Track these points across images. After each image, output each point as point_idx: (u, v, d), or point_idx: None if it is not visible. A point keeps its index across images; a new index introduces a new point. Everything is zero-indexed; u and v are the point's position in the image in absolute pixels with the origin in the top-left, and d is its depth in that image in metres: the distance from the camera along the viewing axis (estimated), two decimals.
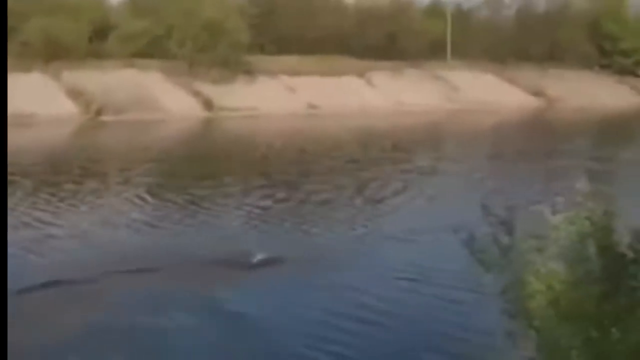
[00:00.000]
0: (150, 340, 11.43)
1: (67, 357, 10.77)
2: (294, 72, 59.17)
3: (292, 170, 30.49)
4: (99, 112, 49.22)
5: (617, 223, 5.98)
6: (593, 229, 5.88)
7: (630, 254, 5.80)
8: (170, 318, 12.21)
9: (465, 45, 72.40)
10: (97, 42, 57.43)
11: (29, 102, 45.38)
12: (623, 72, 77.66)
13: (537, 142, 42.47)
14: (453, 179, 28.28)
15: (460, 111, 60.31)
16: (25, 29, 52.68)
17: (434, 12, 78.24)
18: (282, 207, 22.25)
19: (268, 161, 33.43)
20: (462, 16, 78.48)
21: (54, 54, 52.63)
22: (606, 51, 78.56)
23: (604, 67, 78.19)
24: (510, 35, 76.86)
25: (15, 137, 33.00)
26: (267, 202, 22.59)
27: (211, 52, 56.61)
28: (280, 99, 56.40)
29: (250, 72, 57.87)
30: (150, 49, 56.91)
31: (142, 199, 22.80)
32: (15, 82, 43.46)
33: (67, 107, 49.05)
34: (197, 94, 54.45)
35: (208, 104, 53.68)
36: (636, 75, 78.22)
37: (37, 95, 47.42)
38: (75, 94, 50.36)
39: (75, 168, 29.81)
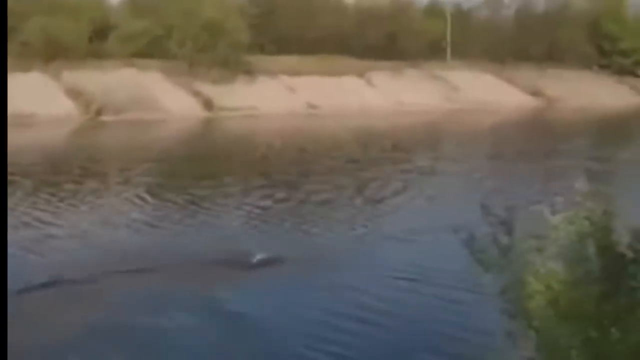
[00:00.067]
0: (149, 340, 11.44)
1: (67, 357, 10.78)
2: (294, 72, 59.19)
3: (292, 170, 30.50)
4: (98, 112, 49.23)
5: (617, 223, 5.99)
6: (592, 228, 5.89)
7: (630, 254, 5.81)
8: (170, 318, 12.22)
9: (465, 45, 72.41)
10: (97, 42, 57.44)
11: (28, 102, 45.38)
12: (622, 72, 77.67)
13: (537, 142, 42.48)
14: (453, 179, 28.28)
15: (460, 111, 60.32)
16: (25, 28, 52.69)
17: (434, 12, 78.25)
18: (282, 207, 22.25)
19: (268, 161, 33.45)
20: (461, 16, 78.49)
21: (53, 53, 52.63)
22: (605, 51, 78.57)
23: (603, 67, 78.21)
24: (509, 35, 76.87)
25: (15, 137, 32.98)
26: (267, 202, 22.59)
27: (211, 52, 56.63)
28: (280, 98, 56.41)
29: (250, 72, 57.89)
30: (150, 49, 56.92)
31: (142, 198, 22.82)
32: (15, 82, 43.47)
33: (67, 107, 49.06)
34: (197, 93, 54.46)
35: (208, 104, 53.69)
36: (635, 75, 78.23)
37: (37, 95, 47.43)
38: (75, 93, 50.36)
39: (75, 168, 29.82)
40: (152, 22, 58.74)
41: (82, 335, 11.56)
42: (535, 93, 68.51)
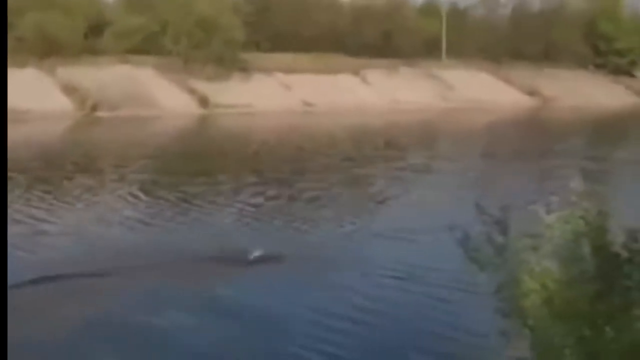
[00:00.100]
0: (142, 337, 11.41)
1: (58, 354, 10.75)
2: (289, 70, 59.15)
3: (286, 167, 30.48)
4: (93, 108, 49.15)
5: (612, 222, 5.97)
6: (587, 228, 5.88)
7: (625, 254, 5.80)
8: (163, 316, 12.18)
9: (461, 43, 72.44)
10: (93, 38, 57.33)
11: (24, 97, 45.23)
12: (617, 71, 77.82)
13: (532, 141, 42.53)
14: (447, 178, 28.27)
15: (455, 110, 60.34)
16: (20, 24, 52.57)
17: (429, 10, 78.27)
18: (275, 204, 22.22)
19: (262, 158, 33.41)
20: (457, 15, 78.52)
21: (49, 49, 52.53)
22: (601, 51, 78.72)
23: (598, 66, 78.35)
24: (505, 34, 76.93)
25: (10, 133, 32.87)
26: (260, 200, 22.56)
27: (206, 49, 56.57)
28: (275, 96, 56.38)
29: (245, 70, 57.84)
30: (145, 46, 56.84)
31: (136, 196, 22.75)
32: (10, 77, 43.31)
33: (62, 103, 48.97)
34: (192, 90, 54.40)
35: (203, 101, 53.63)
36: (631, 75, 78.38)
37: (32, 91, 47.30)
38: (70, 90, 50.27)
39: (70, 164, 29.77)
40: (147, 19, 58.65)
41: (75, 333, 11.53)
42: (531, 92, 68.58)
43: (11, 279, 12.89)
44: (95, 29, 57.95)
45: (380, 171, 29.14)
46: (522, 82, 69.12)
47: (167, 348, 11.07)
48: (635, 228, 5.87)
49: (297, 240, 17.17)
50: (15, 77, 46.22)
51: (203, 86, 54.59)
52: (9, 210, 19.33)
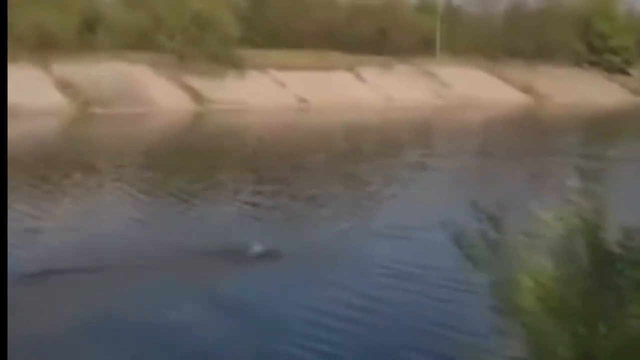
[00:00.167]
0: (140, 335, 11.41)
1: (56, 350, 10.76)
2: (284, 67, 59.10)
3: (281, 165, 30.43)
4: (87, 105, 49.05)
5: (606, 220, 5.99)
6: (582, 225, 5.89)
7: (618, 251, 5.82)
8: (161, 313, 12.18)
9: (456, 41, 72.49)
10: (87, 34, 57.20)
11: (18, 93, 45.13)
12: (612, 69, 77.94)
13: (527, 139, 42.57)
14: (442, 175, 28.32)
15: (450, 107, 60.37)
16: (15, 20, 52.41)
17: (425, 7, 78.31)
18: (270, 202, 22.19)
19: (257, 156, 33.38)
20: (452, 12, 78.58)
21: (43, 45, 52.39)
22: (596, 49, 78.81)
23: (593, 64, 78.44)
24: (500, 32, 76.99)
25: None
26: (255, 197, 22.57)
27: (201, 46, 56.49)
28: (270, 93, 56.35)
29: (240, 66, 57.75)
30: (140, 42, 56.71)
31: (131, 193, 22.71)
32: None
33: (57, 100, 48.87)
34: (186, 87, 54.33)
35: (197, 98, 53.57)
36: (625, 73, 78.51)
37: (26, 87, 47.17)
38: (64, 86, 50.18)
39: (64, 161, 29.69)
40: (142, 15, 58.56)
41: (72, 330, 11.52)
42: (526, 90, 68.62)
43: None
44: (90, 25, 57.82)
45: (376, 168, 29.14)
46: (517, 80, 69.18)
47: (166, 346, 11.06)
48: (628, 226, 5.89)
49: (294, 238, 17.11)
50: (10, 72, 46.13)
51: (197, 83, 54.51)
52: None
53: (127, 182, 24.43)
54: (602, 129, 52.02)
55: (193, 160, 31.39)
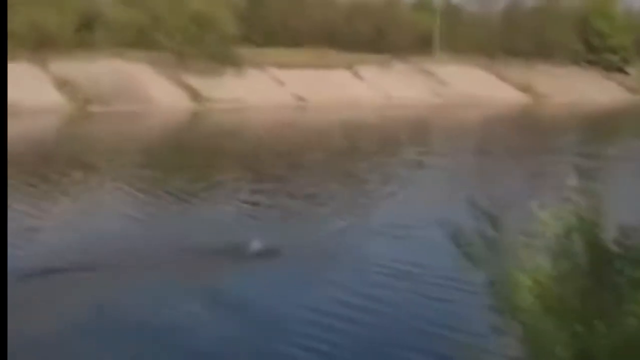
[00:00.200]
0: (139, 332, 11.40)
1: (57, 348, 10.75)
2: (283, 65, 59.08)
3: (279, 163, 30.42)
4: (86, 103, 49.01)
5: (604, 219, 5.98)
6: (580, 224, 5.88)
7: (616, 249, 5.81)
8: (160, 310, 12.17)
9: (454, 39, 72.48)
10: (85, 32, 57.16)
11: (16, 92, 45.10)
12: (610, 68, 77.99)
13: (525, 137, 42.58)
14: (440, 174, 28.33)
15: (448, 106, 60.37)
16: (12, 19, 52.35)
17: (423, 5, 78.30)
18: (269, 200, 22.18)
19: (255, 154, 33.34)
20: (451, 10, 78.57)
21: (41, 44, 52.36)
22: (594, 47, 78.84)
23: (591, 63, 78.47)
24: (499, 31, 77.00)
25: None
26: (253, 196, 22.53)
27: (199, 44, 56.46)
28: (268, 91, 56.34)
29: (238, 65, 57.72)
30: (138, 40, 56.67)
31: (129, 191, 22.69)
32: None
33: (55, 98, 48.82)
34: (185, 85, 54.30)
35: (196, 96, 53.55)
36: (623, 72, 78.57)
37: (24, 85, 47.14)
38: (62, 84, 50.13)
39: (62, 160, 29.66)
40: (140, 13, 58.52)
41: (71, 328, 11.51)
42: (524, 89, 68.64)
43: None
44: (88, 23, 57.79)
45: (374, 166, 29.13)
46: (516, 79, 69.20)
47: (164, 343, 11.05)
48: (626, 224, 5.88)
49: (291, 236, 17.02)
50: (8, 71, 46.10)
51: (196, 81, 54.49)
52: None
53: (126, 180, 24.38)
54: (600, 127, 52.05)
55: (191, 158, 31.38)
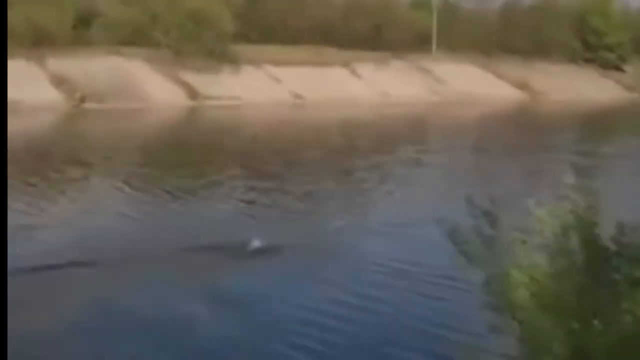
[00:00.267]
0: (137, 329, 11.40)
1: (56, 345, 10.74)
2: (279, 62, 59.04)
3: (275, 161, 30.39)
4: (83, 100, 48.97)
5: (601, 217, 5.99)
6: (577, 222, 5.89)
7: (613, 247, 5.82)
8: (159, 308, 12.18)
9: (451, 37, 72.48)
10: (82, 29, 57.10)
11: (13, 89, 45.03)
12: (607, 66, 78.02)
13: (522, 135, 42.58)
14: (437, 171, 28.33)
15: (445, 103, 60.37)
16: (10, 16, 52.25)
17: (420, 3, 78.23)
18: (265, 198, 22.16)
19: (252, 151, 33.33)
20: (448, 8, 78.55)
21: (38, 41, 52.31)
22: (591, 45, 78.87)
23: (588, 61, 78.49)
24: (496, 28, 77.03)
25: None
26: (250, 195, 22.52)
27: (196, 41, 56.42)
28: (265, 88, 56.30)
29: (235, 62, 57.68)
30: (135, 37, 56.65)
31: (126, 189, 22.66)
32: None
33: (52, 95, 48.77)
34: (181, 82, 54.26)
35: (193, 93, 53.51)
36: (620, 70, 78.61)
37: (21, 82, 47.07)
38: (59, 81, 50.07)
39: (59, 157, 29.61)
40: (137, 10, 58.48)
41: (70, 323, 11.51)
42: (521, 86, 68.65)
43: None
44: (85, 21, 57.73)
45: (371, 164, 29.11)
46: (513, 76, 69.20)
47: (163, 342, 11.06)
48: (623, 222, 5.89)
49: (287, 235, 16.95)
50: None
51: (192, 78, 54.46)
52: None
53: (123, 178, 24.35)
54: (597, 125, 52.07)
55: (188, 156, 31.35)
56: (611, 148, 36.23)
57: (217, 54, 56.73)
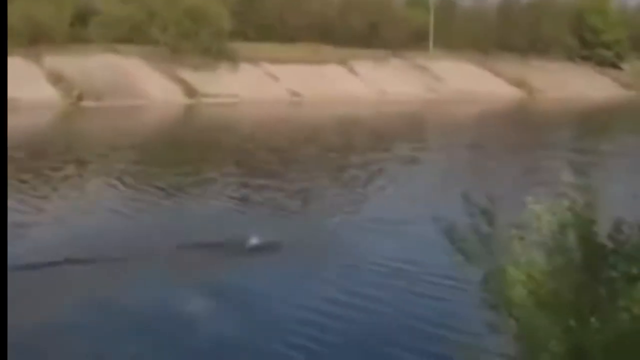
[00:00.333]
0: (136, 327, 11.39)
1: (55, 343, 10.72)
2: (277, 60, 59.01)
3: (272, 159, 30.37)
4: (80, 98, 48.91)
5: (598, 214, 5.98)
6: (574, 219, 5.88)
7: (610, 245, 5.81)
8: (157, 306, 12.17)
9: (449, 35, 72.49)
10: (79, 27, 57.04)
11: (10, 87, 44.94)
12: (604, 64, 78.05)
13: (520, 133, 42.61)
14: (434, 169, 28.34)
15: (443, 101, 60.36)
16: (9, 13, 52.20)
17: (417, 1, 78.23)
18: (262, 195, 22.14)
19: (248, 149, 33.29)
20: (445, 6, 78.56)
21: (35, 38, 52.25)
22: (588, 43, 78.90)
23: (585, 58, 78.52)
24: (493, 26, 77.06)
25: None
26: (246, 192, 22.51)
27: (193, 39, 56.39)
28: (262, 86, 56.27)
29: (232, 59, 57.65)
30: (132, 35, 56.61)
31: (123, 188, 22.64)
32: None
33: (49, 92, 48.70)
34: (179, 80, 54.21)
35: (190, 91, 53.47)
36: (617, 67, 78.65)
37: (18, 80, 46.99)
38: (56, 79, 50.01)
39: (56, 156, 29.54)
40: (135, 8, 58.43)
41: (68, 323, 11.51)
42: (519, 84, 68.66)
43: None
44: (82, 18, 57.67)
45: (368, 162, 29.10)
46: (510, 74, 69.21)
47: (160, 340, 11.05)
48: (620, 219, 5.88)
49: (283, 233, 16.91)
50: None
51: (190, 76, 54.42)
52: None
53: (119, 176, 24.32)
54: (594, 123, 52.08)
55: (185, 153, 31.33)
56: (608, 146, 36.25)
57: (215, 52, 56.70)
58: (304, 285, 13.53)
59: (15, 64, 48.86)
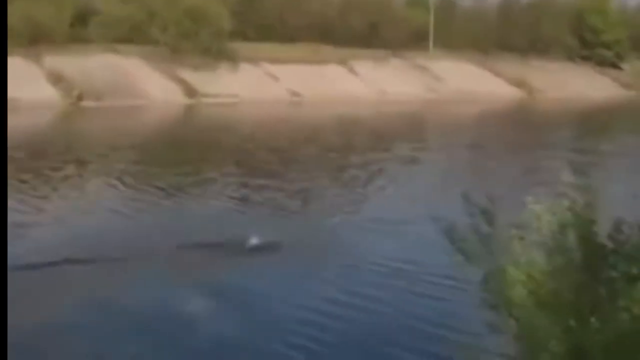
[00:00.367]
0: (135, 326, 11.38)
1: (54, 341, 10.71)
2: (277, 60, 58.99)
3: (272, 159, 30.36)
4: (80, 98, 48.89)
5: (598, 214, 5.97)
6: (574, 219, 5.88)
7: (610, 245, 5.81)
8: (158, 305, 12.16)
9: (449, 35, 72.47)
10: (79, 27, 57.02)
11: (10, 87, 44.92)
12: (604, 63, 78.03)
13: (520, 133, 42.59)
14: (434, 169, 28.32)
15: (443, 101, 60.34)
16: (8, 13, 52.20)
17: (417, 1, 78.21)
18: (261, 195, 22.13)
19: (248, 149, 33.29)
20: (445, 6, 78.53)
21: (35, 38, 52.23)
22: (588, 43, 78.88)
23: (585, 58, 78.50)
24: (493, 26, 77.03)
25: None
26: (246, 192, 22.50)
27: (193, 39, 56.37)
28: (262, 86, 56.25)
29: (232, 59, 57.63)
30: (132, 35, 56.59)
31: (116, 187, 22.60)
32: None
33: (49, 92, 48.68)
34: (179, 80, 54.18)
35: (190, 91, 53.44)
36: (617, 67, 78.63)
37: (18, 80, 46.98)
38: (57, 79, 50.00)
39: (55, 156, 29.53)
40: (135, 8, 58.42)
41: (68, 323, 11.50)
42: (519, 84, 68.64)
43: None
44: (82, 18, 57.65)
45: (368, 162, 29.09)
46: (510, 74, 69.18)
47: (159, 339, 11.04)
48: (620, 219, 5.88)
49: (283, 233, 16.89)
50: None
51: (190, 76, 54.40)
52: None
53: (120, 176, 24.30)
54: (594, 123, 52.06)
55: (185, 153, 31.32)
56: (608, 146, 36.24)
57: (215, 52, 56.69)
58: (304, 285, 13.54)
59: (15, 64, 48.84)
